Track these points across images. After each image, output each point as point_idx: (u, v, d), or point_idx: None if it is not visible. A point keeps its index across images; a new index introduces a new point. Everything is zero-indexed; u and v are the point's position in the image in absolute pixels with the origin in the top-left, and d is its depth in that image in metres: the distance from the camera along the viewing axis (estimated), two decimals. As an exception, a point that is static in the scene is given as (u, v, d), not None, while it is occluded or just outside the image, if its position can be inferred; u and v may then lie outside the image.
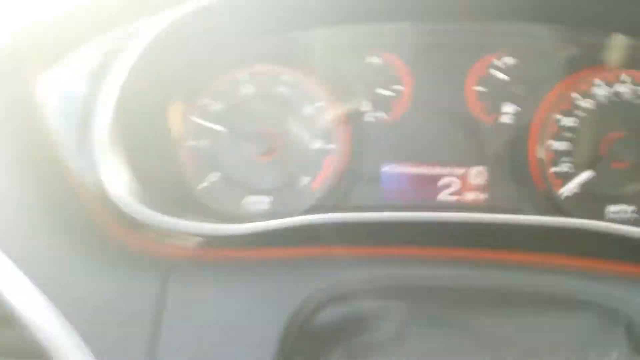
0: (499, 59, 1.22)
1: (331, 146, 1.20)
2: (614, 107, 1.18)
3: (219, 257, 0.99)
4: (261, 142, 1.18)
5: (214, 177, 1.20)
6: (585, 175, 1.16)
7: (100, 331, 0.88)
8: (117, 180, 0.96)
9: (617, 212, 1.16)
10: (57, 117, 0.96)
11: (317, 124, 1.21)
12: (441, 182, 1.21)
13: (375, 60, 1.24)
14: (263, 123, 1.20)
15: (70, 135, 0.96)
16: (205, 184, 1.20)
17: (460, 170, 1.21)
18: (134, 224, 0.97)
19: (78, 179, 0.97)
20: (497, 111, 1.22)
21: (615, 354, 0.85)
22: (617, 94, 1.18)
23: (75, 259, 0.89)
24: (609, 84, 1.18)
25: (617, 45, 1.18)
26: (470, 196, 1.20)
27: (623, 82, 1.18)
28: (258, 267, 0.96)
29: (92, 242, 0.93)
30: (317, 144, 1.21)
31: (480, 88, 1.22)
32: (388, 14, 1.17)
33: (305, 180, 1.20)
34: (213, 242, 1.02)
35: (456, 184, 1.21)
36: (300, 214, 1.06)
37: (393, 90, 1.23)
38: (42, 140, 0.95)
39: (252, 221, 1.01)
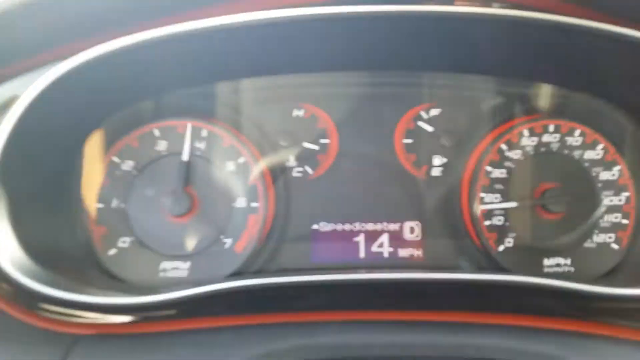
0: (426, 111, 1.21)
1: (255, 204, 1.13)
2: (543, 157, 1.18)
3: (132, 330, 0.89)
4: (178, 202, 1.09)
5: (124, 242, 1.10)
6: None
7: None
8: (3, 253, 0.85)
9: (552, 266, 1.14)
10: None
11: (239, 181, 1.14)
12: (374, 239, 1.16)
13: (300, 113, 1.19)
14: (180, 181, 1.12)
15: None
16: (114, 251, 1.09)
17: (393, 226, 1.17)
18: (28, 299, 0.86)
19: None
20: (428, 164, 1.20)
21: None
22: (544, 144, 1.19)
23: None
24: (536, 134, 1.18)
25: (543, 95, 1.20)
26: (405, 253, 1.16)
27: (550, 132, 1.19)
28: (176, 339, 0.87)
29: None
30: (240, 203, 1.13)
31: (409, 140, 1.20)
32: (312, 65, 1.14)
33: (227, 242, 1.12)
34: (128, 314, 0.91)
35: (390, 241, 1.16)
36: (223, 279, 0.98)
37: (319, 144, 1.19)
38: None
39: (169, 290, 0.92)
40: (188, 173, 1.13)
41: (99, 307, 0.90)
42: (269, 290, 0.97)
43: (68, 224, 1.07)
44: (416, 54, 1.11)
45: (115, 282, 1.07)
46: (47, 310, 0.88)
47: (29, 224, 0.92)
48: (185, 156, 1.13)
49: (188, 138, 1.14)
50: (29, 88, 0.89)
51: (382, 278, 0.99)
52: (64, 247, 1.04)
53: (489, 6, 0.94)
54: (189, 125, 1.15)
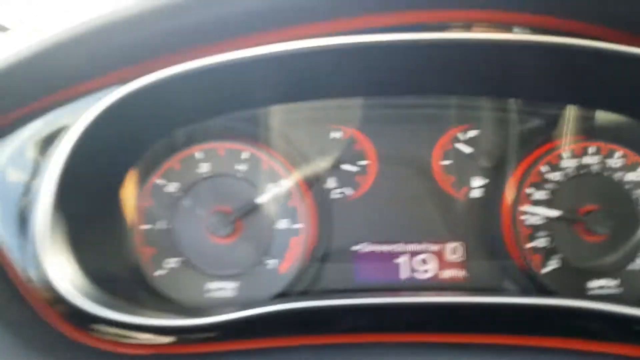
0: (464, 132, 1.23)
1: (297, 226, 1.15)
2: (584, 179, 1.18)
3: (185, 352, 0.91)
4: (223, 223, 1.12)
5: (171, 263, 1.13)
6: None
7: None
8: (63, 276, 0.88)
9: (597, 288, 1.14)
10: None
11: (281, 202, 1.16)
12: (416, 260, 1.17)
13: (338, 135, 1.22)
14: (223, 201, 1.15)
15: (10, 228, 0.88)
16: (162, 272, 1.12)
17: (435, 247, 1.18)
18: (82, 320, 0.89)
19: (22, 277, 0.88)
20: (467, 185, 1.21)
21: None
22: (585, 166, 1.19)
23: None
24: (576, 156, 1.19)
25: (582, 117, 1.21)
26: (447, 274, 1.17)
27: (589, 154, 1.19)
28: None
29: (44, 343, 0.84)
30: (282, 224, 1.16)
31: (446, 162, 1.21)
32: (348, 91, 1.16)
33: (271, 263, 1.14)
34: (176, 335, 0.94)
35: (433, 262, 1.17)
36: (268, 301, 1.00)
37: (358, 166, 1.20)
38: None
39: (215, 311, 0.94)
40: (231, 194, 1.15)
41: (148, 327, 0.92)
42: (313, 312, 0.98)
43: (119, 246, 1.10)
44: (445, 80, 1.13)
45: (164, 302, 1.09)
46: (100, 331, 0.91)
47: (85, 247, 0.95)
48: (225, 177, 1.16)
49: (228, 160, 1.17)
50: (81, 116, 0.92)
51: (425, 301, 1.00)
52: (116, 269, 1.07)
53: (509, 31, 0.95)
54: (230, 147, 1.17)
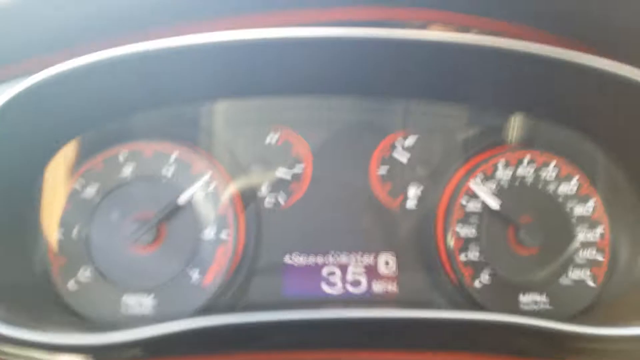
0: (402, 139, 1.21)
1: (225, 235, 1.11)
2: (518, 190, 1.19)
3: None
4: (143, 230, 1.06)
5: (84, 274, 1.06)
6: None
7: None
8: None
9: (529, 303, 1.14)
10: None
11: (208, 210, 1.11)
12: (348, 273, 1.15)
13: (274, 139, 1.18)
14: (145, 208, 1.09)
15: None
16: (74, 283, 1.05)
17: (367, 259, 1.16)
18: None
19: None
20: (403, 194, 1.20)
21: None
22: (519, 177, 1.20)
23: None
24: (511, 167, 1.19)
25: (518, 126, 1.22)
26: (379, 287, 1.15)
27: (524, 165, 1.20)
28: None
29: None
30: (208, 233, 1.11)
31: (383, 170, 1.20)
32: (289, 88, 1.13)
33: (195, 275, 1.09)
34: (90, 354, 0.87)
35: (364, 275, 1.15)
36: (190, 316, 0.94)
37: (292, 174, 1.17)
38: None
39: (132, 327, 0.88)
40: (155, 200, 1.09)
41: (57, 347, 0.86)
42: (237, 328, 0.94)
43: (26, 255, 1.03)
44: (392, 79, 1.12)
45: (75, 318, 1.02)
46: (3, 351, 0.84)
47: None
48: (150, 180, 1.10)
49: (155, 162, 1.11)
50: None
51: (355, 316, 0.97)
52: (21, 281, 1.00)
53: (465, 32, 0.95)
54: (158, 148, 1.11)
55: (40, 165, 1.06)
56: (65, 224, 1.08)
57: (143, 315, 1.06)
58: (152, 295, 1.07)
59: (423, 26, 0.97)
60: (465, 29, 0.99)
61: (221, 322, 0.91)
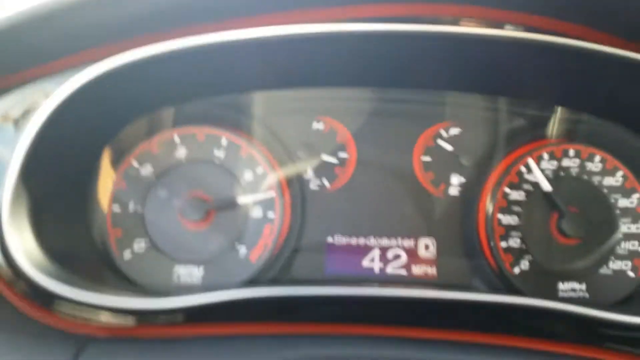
0: (446, 129, 1.24)
1: (271, 215, 1.16)
2: (562, 181, 1.20)
3: (143, 334, 0.92)
4: (196, 208, 1.13)
5: (139, 245, 1.14)
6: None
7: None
8: (24, 252, 0.88)
9: (567, 290, 1.16)
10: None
11: (256, 191, 1.17)
12: (388, 255, 1.18)
13: (320, 126, 1.23)
14: (197, 188, 1.15)
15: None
16: (129, 253, 1.13)
17: (408, 242, 1.20)
18: (43, 298, 0.89)
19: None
20: (446, 182, 1.23)
21: None
22: (563, 168, 1.21)
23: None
24: (556, 158, 1.21)
25: (563, 119, 1.23)
26: (418, 270, 1.18)
27: (569, 157, 1.21)
28: (186, 345, 0.90)
29: (5, 323, 0.85)
30: (256, 212, 1.16)
31: (427, 158, 1.23)
32: (334, 80, 1.18)
33: (242, 250, 1.15)
34: (140, 318, 0.94)
35: (404, 257, 1.19)
36: (237, 287, 1.01)
37: (337, 158, 1.22)
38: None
39: (182, 295, 0.95)
40: (206, 180, 1.16)
41: (112, 308, 0.93)
42: (281, 300, 1.00)
43: (86, 226, 1.11)
44: (432, 73, 1.15)
45: (129, 285, 1.10)
46: (61, 311, 0.91)
47: (48, 224, 0.96)
48: (202, 162, 1.17)
49: (206, 145, 1.17)
50: (53, 93, 0.93)
51: (394, 295, 1.01)
52: (81, 248, 1.07)
53: (500, 27, 0.97)
54: (208, 132, 1.18)
55: (102, 145, 1.14)
56: (121, 199, 1.15)
57: (193, 285, 1.13)
58: (202, 267, 1.14)
59: (456, 22, 0.99)
60: (499, 24, 1.01)
61: (265, 294, 0.97)
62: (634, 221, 1.21)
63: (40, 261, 0.90)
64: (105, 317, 0.93)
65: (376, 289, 1.01)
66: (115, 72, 0.95)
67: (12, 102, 0.94)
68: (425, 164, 1.23)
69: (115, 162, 1.16)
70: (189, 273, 1.13)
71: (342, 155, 1.23)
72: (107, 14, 0.88)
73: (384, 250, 1.20)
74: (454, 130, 1.24)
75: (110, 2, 0.85)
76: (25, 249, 0.89)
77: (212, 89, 1.17)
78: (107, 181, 1.15)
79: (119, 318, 0.93)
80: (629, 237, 1.20)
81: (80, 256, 1.06)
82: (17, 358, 0.84)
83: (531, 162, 1.20)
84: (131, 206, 1.15)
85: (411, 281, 1.18)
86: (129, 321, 0.95)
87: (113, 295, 0.93)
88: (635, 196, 1.21)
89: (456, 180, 1.23)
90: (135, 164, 1.17)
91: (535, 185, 1.20)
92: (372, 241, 1.20)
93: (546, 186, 1.19)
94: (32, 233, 0.92)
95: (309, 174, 1.22)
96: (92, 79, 0.93)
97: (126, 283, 1.10)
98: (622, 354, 0.98)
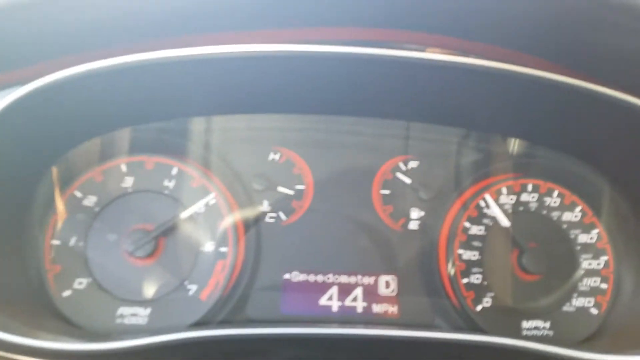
0: (405, 162, 1.22)
1: (224, 249, 1.11)
2: (521, 216, 1.19)
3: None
4: (142, 242, 1.06)
5: (80, 283, 1.06)
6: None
7: None
8: None
9: (531, 329, 1.13)
10: None
11: (208, 224, 1.11)
12: (347, 293, 1.14)
13: (276, 157, 1.19)
14: (145, 221, 1.09)
15: None
16: (69, 292, 1.05)
17: (368, 280, 1.16)
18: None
19: None
20: (405, 217, 1.20)
21: None
22: (522, 203, 1.20)
23: None
24: (514, 193, 1.20)
25: (522, 153, 1.22)
26: (379, 308, 1.14)
27: (528, 191, 1.21)
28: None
29: None
30: (208, 247, 1.11)
31: (386, 191, 1.20)
32: (290, 107, 1.15)
33: (192, 289, 1.08)
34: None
35: (364, 295, 1.14)
36: (185, 329, 0.94)
37: (294, 190, 1.18)
38: None
39: (127, 337, 0.87)
40: (154, 212, 1.10)
41: (50, 352, 0.85)
42: (233, 342, 0.93)
43: (21, 262, 1.02)
44: (391, 102, 1.13)
45: (69, 327, 1.01)
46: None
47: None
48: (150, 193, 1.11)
49: (155, 175, 1.12)
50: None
51: (354, 334, 0.96)
52: (16, 287, 0.99)
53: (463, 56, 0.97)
54: (159, 161, 1.12)
55: (41, 172, 1.07)
56: (62, 232, 1.08)
57: (138, 326, 1.05)
58: (148, 308, 1.06)
59: (422, 49, 0.98)
60: (464, 53, 1.01)
61: (216, 335, 0.90)
62: (595, 257, 1.20)
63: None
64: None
65: (335, 329, 0.96)
66: (56, 87, 0.89)
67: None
68: (385, 197, 1.20)
69: (56, 191, 1.08)
70: (134, 313, 1.05)
71: (299, 187, 1.19)
72: (41, 29, 0.83)
73: (342, 287, 1.15)
74: (413, 164, 1.23)
75: (46, 15, 0.80)
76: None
77: (164, 111, 1.12)
78: (46, 211, 1.07)
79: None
80: (590, 273, 1.20)
81: (14, 296, 0.97)
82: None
83: (488, 197, 1.19)
84: (72, 240, 1.08)
85: (371, 320, 1.13)
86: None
87: (51, 338, 0.85)
88: (594, 232, 1.21)
89: (416, 214, 1.20)
90: (78, 194, 1.10)
91: (495, 220, 1.18)
92: (330, 278, 1.15)
93: (504, 222, 1.17)
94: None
95: (264, 206, 1.17)
96: (32, 92, 0.87)
97: (66, 326, 1.01)
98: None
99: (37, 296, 1.03)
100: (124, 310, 1.06)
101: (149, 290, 1.08)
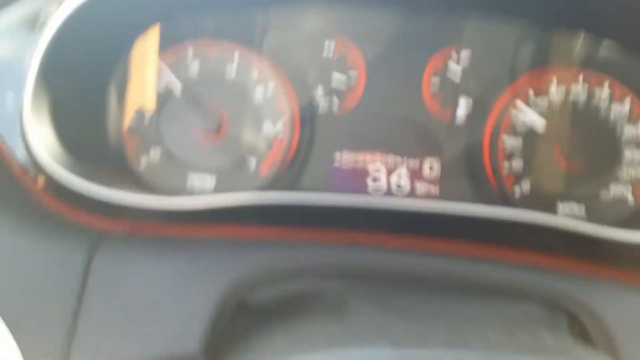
0: (457, 52, 1.26)
1: (281, 131, 1.21)
2: (569, 108, 1.23)
3: (154, 232, 0.99)
4: (210, 120, 1.18)
5: (155, 152, 1.19)
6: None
7: (20, 301, 0.86)
8: (47, 149, 0.94)
9: (566, 211, 1.20)
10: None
11: (268, 107, 1.21)
12: (393, 173, 1.23)
13: (331, 46, 1.25)
14: (211, 101, 1.20)
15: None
16: (145, 160, 1.19)
17: (413, 163, 1.24)
18: (63, 192, 0.96)
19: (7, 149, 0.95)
20: (454, 105, 1.26)
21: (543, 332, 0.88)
22: (572, 93, 1.23)
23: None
24: (565, 84, 1.23)
25: (575, 44, 1.24)
26: (422, 188, 1.23)
27: (578, 82, 1.23)
28: (195, 244, 0.96)
29: (16, 207, 0.92)
30: (267, 128, 1.21)
31: (436, 81, 1.25)
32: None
33: (253, 163, 1.21)
34: (152, 216, 1.01)
35: (409, 176, 1.23)
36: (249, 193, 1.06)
37: (348, 80, 1.25)
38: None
39: (196, 195, 1.01)
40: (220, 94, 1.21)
41: (129, 205, 0.99)
42: (287, 208, 1.05)
43: (104, 128, 1.16)
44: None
45: (145, 188, 1.16)
46: (80, 205, 0.98)
47: (68, 123, 1.01)
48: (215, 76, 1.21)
49: (220, 60, 1.21)
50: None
51: (397, 204, 1.07)
52: (99, 150, 1.13)
53: None
54: (222, 46, 1.22)
55: (116, 55, 1.18)
56: (138, 110, 1.21)
57: (205, 190, 1.19)
58: (214, 176, 1.20)
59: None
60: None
61: (274, 199, 1.03)
62: (638, 148, 1.23)
63: (61, 156, 0.96)
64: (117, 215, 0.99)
65: (380, 199, 1.06)
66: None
67: (31, 6, 0.98)
68: (434, 86, 1.26)
69: (137, 69, 1.20)
70: (201, 179, 1.19)
71: (353, 76, 1.26)
72: None
73: (389, 169, 1.24)
74: (465, 54, 1.26)
75: None
76: (46, 145, 0.95)
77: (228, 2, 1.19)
78: (123, 90, 1.20)
79: (136, 214, 1.00)
80: (631, 163, 1.23)
81: (95, 155, 1.11)
82: (36, 247, 0.90)
83: (519, 106, 1.23)
84: (147, 115, 1.20)
85: (414, 197, 1.23)
86: (145, 217, 1.01)
87: (131, 193, 0.99)
88: (640, 123, 1.24)
89: (464, 103, 1.26)
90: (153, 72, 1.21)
91: (543, 109, 1.23)
92: (378, 160, 1.24)
93: (539, 126, 1.22)
94: (52, 130, 0.98)
95: (319, 92, 1.25)
96: None
97: (141, 187, 1.16)
98: (616, 269, 1.03)
99: (118, 161, 1.18)
100: (193, 176, 1.20)
101: (216, 161, 1.21)
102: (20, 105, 0.94)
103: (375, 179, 1.24)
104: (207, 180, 1.20)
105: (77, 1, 0.97)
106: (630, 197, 1.23)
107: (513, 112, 1.23)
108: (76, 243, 0.92)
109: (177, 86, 1.21)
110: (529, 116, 1.23)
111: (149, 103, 1.21)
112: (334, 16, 1.27)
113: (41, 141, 0.95)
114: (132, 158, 1.20)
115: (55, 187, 0.96)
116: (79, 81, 1.07)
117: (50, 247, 0.91)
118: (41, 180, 0.96)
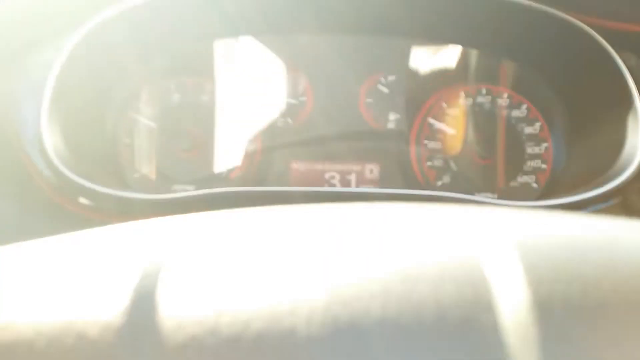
0: (384, 77, 1.57)
1: (247, 144, 1.50)
2: (477, 113, 1.53)
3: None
4: (185, 140, 1.46)
5: (145, 168, 1.47)
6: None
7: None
8: (57, 152, 1.20)
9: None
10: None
11: (234, 126, 1.50)
12: (342, 175, 1.51)
13: (287, 74, 1.56)
14: (188, 125, 1.49)
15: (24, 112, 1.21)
16: (137, 175, 1.46)
17: (356, 167, 1.52)
18: (70, 191, 1.20)
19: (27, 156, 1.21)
20: (385, 118, 1.55)
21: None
22: (479, 104, 1.54)
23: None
24: (472, 96, 1.54)
25: (481, 64, 1.56)
26: (365, 187, 1.51)
27: (483, 94, 1.55)
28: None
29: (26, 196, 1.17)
30: (235, 143, 1.50)
31: (370, 100, 1.56)
32: (300, 27, 1.50)
33: (224, 171, 1.48)
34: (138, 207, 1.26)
35: (354, 178, 1.51)
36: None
37: (299, 101, 1.55)
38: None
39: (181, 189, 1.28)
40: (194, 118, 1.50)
41: (127, 198, 1.24)
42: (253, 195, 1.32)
43: (104, 138, 1.43)
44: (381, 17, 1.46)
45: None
46: (86, 202, 1.23)
47: (78, 135, 1.28)
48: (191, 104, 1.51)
49: (194, 91, 1.51)
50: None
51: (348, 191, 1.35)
52: (104, 166, 1.40)
53: None
54: (196, 80, 1.52)
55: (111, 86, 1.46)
56: (142, 135, 1.49)
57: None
58: (193, 185, 1.47)
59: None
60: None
61: (241, 191, 1.30)
62: (537, 144, 1.53)
63: (71, 162, 1.22)
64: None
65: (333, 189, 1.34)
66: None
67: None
68: (369, 104, 1.56)
69: (123, 105, 1.49)
70: (183, 189, 1.47)
71: (302, 98, 1.56)
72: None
73: (338, 172, 1.52)
74: (391, 77, 1.57)
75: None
76: (59, 151, 1.21)
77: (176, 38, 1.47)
78: (116, 121, 1.48)
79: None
80: (533, 156, 1.53)
81: (96, 159, 1.37)
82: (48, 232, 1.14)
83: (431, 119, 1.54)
84: (137, 140, 1.48)
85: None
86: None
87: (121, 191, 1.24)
88: (537, 124, 1.54)
89: (393, 116, 1.56)
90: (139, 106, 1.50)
91: (454, 116, 1.53)
92: (327, 166, 1.52)
93: (449, 131, 1.52)
94: (65, 139, 1.24)
95: (277, 113, 1.55)
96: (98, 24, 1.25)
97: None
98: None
99: (117, 174, 1.45)
100: (176, 187, 1.47)
101: (193, 172, 1.48)
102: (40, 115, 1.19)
103: (328, 181, 1.52)
104: (187, 189, 1.47)
105: (74, 42, 1.25)
106: (534, 185, 1.51)
107: (430, 120, 1.54)
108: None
109: (155, 115, 1.50)
110: (440, 126, 1.53)
111: (137, 131, 1.49)
112: (291, 47, 1.56)
113: (56, 149, 1.20)
114: (126, 169, 1.47)
115: (66, 186, 1.20)
116: (84, 107, 1.35)
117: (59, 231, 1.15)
118: (54, 181, 1.20)
